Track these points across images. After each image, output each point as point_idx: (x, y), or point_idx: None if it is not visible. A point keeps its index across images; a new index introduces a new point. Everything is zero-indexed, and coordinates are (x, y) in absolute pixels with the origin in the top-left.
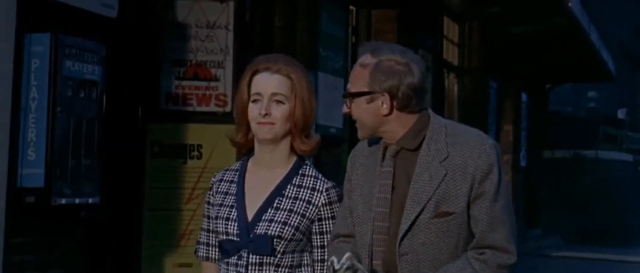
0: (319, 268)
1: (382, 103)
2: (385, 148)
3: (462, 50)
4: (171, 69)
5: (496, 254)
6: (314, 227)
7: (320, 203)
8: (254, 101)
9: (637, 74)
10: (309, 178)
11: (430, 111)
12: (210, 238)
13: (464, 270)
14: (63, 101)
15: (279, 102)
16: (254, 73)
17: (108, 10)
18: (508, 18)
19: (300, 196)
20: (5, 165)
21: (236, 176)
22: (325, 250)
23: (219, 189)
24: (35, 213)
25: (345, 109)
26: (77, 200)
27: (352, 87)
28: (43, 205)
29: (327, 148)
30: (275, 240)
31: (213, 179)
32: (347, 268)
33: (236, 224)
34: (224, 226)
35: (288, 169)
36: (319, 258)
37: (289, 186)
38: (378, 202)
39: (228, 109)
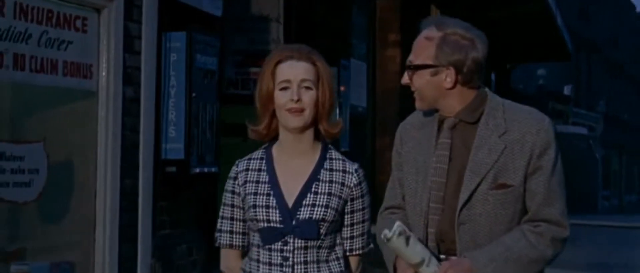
0: (348, 245)
1: (446, 77)
2: (442, 121)
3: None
4: (232, 58)
5: (550, 227)
6: (346, 207)
7: (352, 184)
8: (283, 89)
9: (580, 54)
10: (337, 162)
11: (487, 89)
12: (235, 225)
13: (519, 242)
14: (195, 88)
15: (308, 88)
16: (278, 62)
17: (216, 10)
18: (487, 3)
19: (334, 179)
20: (152, 141)
21: (263, 165)
22: (355, 227)
23: (248, 178)
24: (176, 181)
25: (405, 80)
26: (205, 170)
27: (416, 59)
28: (183, 174)
29: (356, 124)
30: (320, 223)
31: (236, 169)
32: (399, 234)
33: (277, 211)
34: (264, 214)
35: (317, 154)
36: (348, 235)
37: (322, 171)
38: (435, 172)
39: None
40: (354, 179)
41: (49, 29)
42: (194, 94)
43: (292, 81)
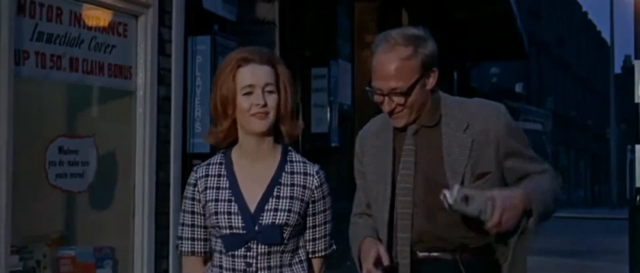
0: (310, 247)
1: (432, 78)
2: (402, 129)
3: None
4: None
5: (535, 166)
6: (308, 209)
7: (314, 186)
8: (247, 94)
9: (531, 52)
10: (298, 164)
11: (438, 89)
12: (196, 232)
13: (541, 177)
14: None
15: (271, 92)
16: (238, 66)
17: (231, 15)
18: (453, 5)
19: (295, 182)
20: (180, 137)
21: (223, 170)
22: (317, 229)
23: (209, 185)
24: None
25: (389, 107)
26: None
27: (405, 82)
28: None
29: (343, 121)
30: (283, 228)
31: (195, 175)
32: (461, 200)
33: (240, 217)
34: (226, 220)
35: (278, 158)
36: (311, 237)
37: (283, 175)
38: (402, 178)
39: None
40: (315, 181)
41: (97, 34)
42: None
43: (256, 86)
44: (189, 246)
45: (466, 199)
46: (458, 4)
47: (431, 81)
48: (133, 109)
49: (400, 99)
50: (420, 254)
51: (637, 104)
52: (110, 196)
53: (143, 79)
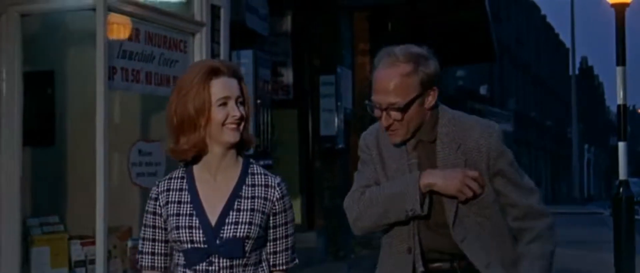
0: (272, 260)
1: (431, 97)
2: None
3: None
4: None
5: (535, 222)
6: (269, 221)
7: (275, 198)
8: (222, 105)
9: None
10: (259, 176)
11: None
12: (156, 247)
13: (534, 265)
14: (260, 95)
15: (241, 103)
16: (210, 78)
17: (263, 30)
18: (431, 12)
19: (256, 194)
20: None
21: (185, 184)
22: (278, 242)
23: (170, 199)
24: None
25: (387, 122)
26: (268, 162)
27: (402, 98)
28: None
29: (347, 125)
30: (245, 241)
31: (157, 189)
32: None
33: (201, 231)
34: (187, 235)
35: (239, 170)
36: (272, 250)
37: (244, 187)
38: None
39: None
40: (276, 193)
41: (164, 51)
42: (258, 101)
43: (231, 97)
44: (149, 261)
45: None
46: (436, 12)
47: (430, 100)
48: None
49: (398, 115)
50: (433, 265)
51: (620, 105)
52: None
53: None
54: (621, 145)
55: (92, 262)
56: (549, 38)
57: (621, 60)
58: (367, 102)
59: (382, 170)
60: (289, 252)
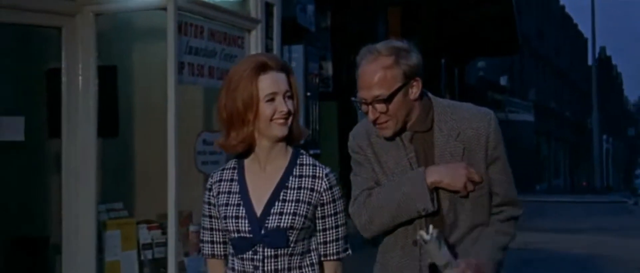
0: (322, 250)
1: (415, 88)
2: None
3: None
4: None
5: (513, 210)
6: (317, 212)
7: (322, 189)
8: (270, 100)
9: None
10: (307, 167)
11: (428, 92)
12: (214, 236)
13: (497, 235)
14: (309, 88)
15: (290, 98)
16: (258, 73)
17: (311, 26)
18: (459, 6)
19: (303, 185)
20: None
21: (235, 174)
22: (328, 232)
23: (221, 189)
24: None
25: (375, 115)
26: (317, 151)
27: (386, 89)
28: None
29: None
30: (288, 231)
31: (211, 180)
32: (436, 238)
33: (246, 221)
34: (234, 224)
35: (287, 161)
36: (322, 240)
37: (291, 178)
38: None
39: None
40: (324, 184)
41: (225, 47)
42: (308, 93)
43: (279, 93)
44: (209, 249)
45: (440, 242)
46: (464, 5)
47: (415, 91)
48: None
49: (383, 107)
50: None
51: None
52: None
53: None
54: None
55: (158, 244)
56: (568, 28)
57: None
58: (353, 99)
59: (381, 168)
60: (341, 242)
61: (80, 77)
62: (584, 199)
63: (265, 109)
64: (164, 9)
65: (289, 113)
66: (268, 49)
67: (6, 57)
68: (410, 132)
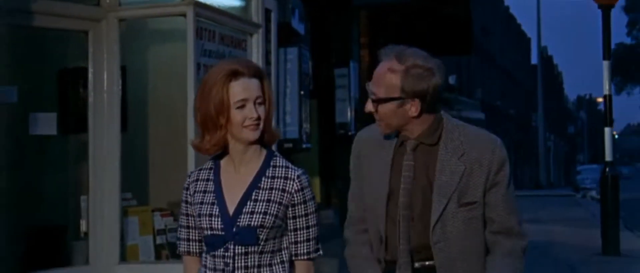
0: (293, 249)
1: (412, 107)
2: (402, 142)
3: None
4: None
5: (510, 240)
6: (288, 212)
7: (293, 190)
8: (240, 107)
9: None
10: (280, 168)
11: (442, 111)
12: (190, 233)
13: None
14: (302, 87)
15: (260, 104)
16: (230, 79)
17: (301, 29)
18: (418, 11)
19: (275, 186)
20: (277, 124)
21: (211, 175)
22: (299, 233)
23: (197, 189)
24: (291, 152)
25: (369, 108)
26: (309, 145)
27: (381, 92)
28: (296, 148)
29: (356, 111)
30: (258, 229)
31: (188, 180)
32: None
33: (219, 219)
34: (208, 222)
35: (260, 163)
36: (293, 240)
37: (263, 179)
38: (402, 193)
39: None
40: (295, 185)
41: (232, 49)
42: (302, 92)
43: (249, 99)
44: (185, 246)
45: None
46: (427, 7)
47: (411, 109)
48: None
49: (372, 106)
50: (417, 264)
51: (606, 95)
52: None
53: None
54: (607, 131)
55: (170, 230)
56: (511, 28)
57: (607, 55)
58: (367, 86)
59: (368, 169)
60: (312, 243)
61: (105, 77)
62: (533, 193)
63: (236, 115)
64: (184, 15)
65: (258, 119)
66: (267, 51)
67: (39, 59)
68: (416, 142)
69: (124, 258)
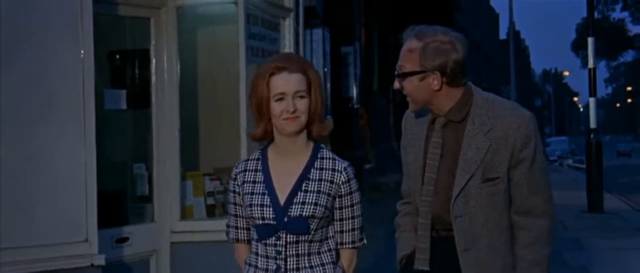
0: (338, 238)
1: (433, 80)
2: (434, 120)
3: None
4: None
5: (532, 220)
6: (335, 203)
7: (340, 181)
8: (279, 100)
9: None
10: (327, 160)
11: (471, 84)
12: (239, 222)
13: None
14: (326, 65)
15: (301, 97)
16: (272, 74)
17: (321, 12)
18: None
19: (323, 177)
20: None
21: (259, 165)
22: (345, 222)
23: (246, 179)
24: None
25: (396, 86)
26: (330, 116)
27: (404, 67)
28: None
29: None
30: (309, 219)
31: (235, 170)
32: None
33: (271, 209)
34: (259, 212)
35: (309, 155)
36: (339, 230)
37: (312, 170)
38: (428, 168)
39: None
40: (342, 177)
41: (270, 32)
42: (325, 69)
43: (287, 94)
44: (234, 234)
45: None
46: None
47: (434, 83)
48: None
49: (397, 82)
50: (435, 235)
51: (590, 68)
52: None
53: None
54: (591, 100)
55: (218, 192)
56: (481, 4)
57: (591, 31)
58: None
59: (408, 146)
60: (356, 232)
61: (165, 58)
62: None
63: (275, 107)
64: (235, 2)
65: (295, 112)
66: (296, 33)
67: (112, 42)
68: (445, 119)
69: (183, 216)
